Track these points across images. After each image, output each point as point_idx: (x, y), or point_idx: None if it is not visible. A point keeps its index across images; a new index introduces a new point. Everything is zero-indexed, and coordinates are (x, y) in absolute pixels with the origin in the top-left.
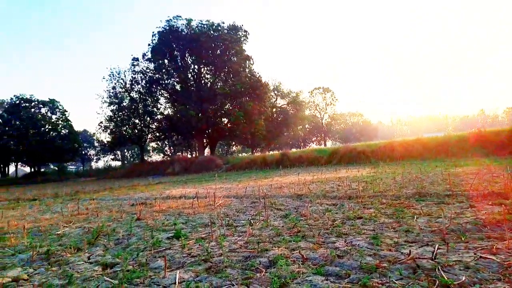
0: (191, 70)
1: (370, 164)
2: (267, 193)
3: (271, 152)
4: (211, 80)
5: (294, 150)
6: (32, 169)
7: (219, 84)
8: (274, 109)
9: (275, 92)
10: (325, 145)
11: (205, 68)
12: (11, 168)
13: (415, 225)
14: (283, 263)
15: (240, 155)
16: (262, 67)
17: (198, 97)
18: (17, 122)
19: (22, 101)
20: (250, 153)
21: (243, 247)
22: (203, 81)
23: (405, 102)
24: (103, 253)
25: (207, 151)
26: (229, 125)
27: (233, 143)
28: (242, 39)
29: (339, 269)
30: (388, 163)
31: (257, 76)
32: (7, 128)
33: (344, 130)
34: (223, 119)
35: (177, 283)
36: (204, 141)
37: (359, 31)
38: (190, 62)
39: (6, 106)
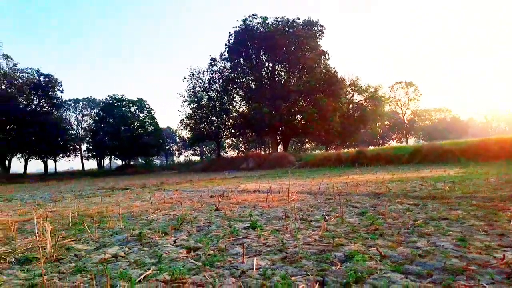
0: (265, 68)
1: (459, 164)
2: (342, 190)
3: (346, 150)
4: (285, 77)
5: (371, 147)
6: (123, 162)
7: (293, 81)
8: (350, 105)
9: (352, 87)
10: (406, 143)
11: (279, 66)
12: (106, 161)
13: (511, 229)
14: (359, 258)
15: (313, 152)
16: (339, 62)
17: (272, 95)
18: (111, 120)
19: (115, 101)
20: (324, 150)
21: (318, 241)
22: (277, 79)
23: (503, 97)
24: (187, 238)
25: (280, 147)
26: (302, 122)
27: (307, 140)
28: (317, 34)
29: (420, 269)
30: (480, 163)
31: (333, 72)
32: (102, 125)
33: (428, 127)
34: (296, 116)
35: (254, 268)
36: (278, 138)
37: (446, 17)
38: (264, 60)
39: (102, 105)
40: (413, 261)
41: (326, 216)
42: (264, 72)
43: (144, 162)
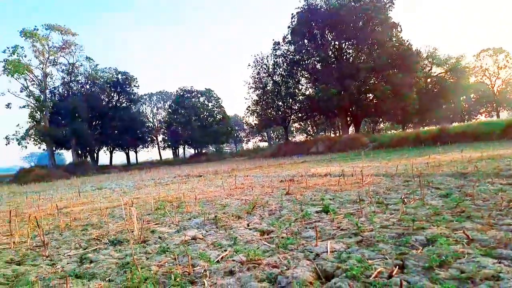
0: (331, 47)
1: None
2: (423, 171)
3: (425, 128)
4: (353, 55)
5: (455, 124)
6: (196, 151)
7: (362, 58)
8: (428, 80)
9: (429, 60)
10: (498, 116)
11: (346, 43)
12: (180, 150)
13: None
14: (443, 241)
15: (388, 132)
16: (413, 34)
17: (339, 75)
18: (182, 111)
19: (185, 93)
20: (400, 130)
21: (396, 224)
22: (344, 57)
23: None
24: (260, 222)
25: (351, 129)
26: (374, 101)
27: (380, 120)
28: (387, 5)
29: None
30: None
31: (406, 45)
32: (175, 116)
33: None
34: (367, 95)
35: (328, 251)
36: (348, 119)
37: None
38: (330, 39)
39: (173, 98)
40: (508, 245)
41: (405, 199)
42: (330, 52)
43: (215, 150)
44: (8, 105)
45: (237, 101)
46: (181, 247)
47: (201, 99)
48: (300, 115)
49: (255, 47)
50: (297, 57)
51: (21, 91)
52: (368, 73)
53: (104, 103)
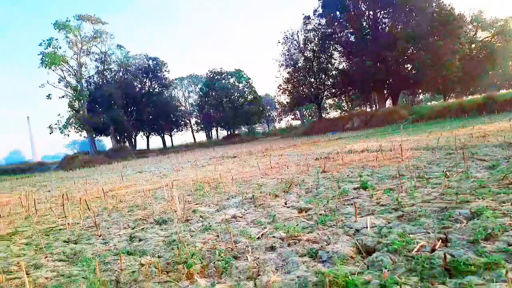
0: (365, 18)
1: None
2: (466, 143)
3: (469, 97)
4: (389, 24)
5: (503, 91)
6: (228, 132)
7: (399, 26)
8: (473, 45)
9: (474, 24)
10: None
11: (382, 12)
12: (213, 132)
13: None
14: (489, 214)
15: (428, 103)
16: None
17: (375, 46)
18: (213, 93)
19: (215, 75)
20: (442, 100)
21: (438, 198)
22: (380, 27)
23: None
24: (297, 200)
25: (388, 102)
26: (413, 72)
27: (420, 91)
28: None
29: None
30: None
31: (448, 9)
32: (206, 99)
33: None
34: (406, 66)
35: (368, 227)
36: (385, 93)
37: None
38: (364, 9)
39: (204, 81)
40: None
41: (447, 172)
42: (365, 22)
43: (247, 130)
44: (48, 96)
45: (268, 80)
46: (223, 225)
47: (231, 80)
48: (333, 90)
49: (284, 23)
50: (329, 30)
51: (59, 82)
52: (406, 42)
53: (137, 89)
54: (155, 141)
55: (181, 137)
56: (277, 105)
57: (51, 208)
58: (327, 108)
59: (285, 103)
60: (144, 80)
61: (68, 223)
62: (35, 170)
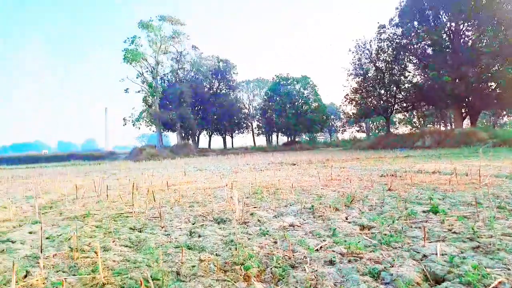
0: (446, 29)
1: None
2: None
3: None
4: (472, 38)
5: None
6: (289, 138)
7: (484, 41)
8: None
9: None
10: None
11: (465, 24)
12: (273, 137)
13: None
14: None
15: None
16: None
17: (455, 60)
18: (277, 98)
19: (281, 80)
20: None
21: None
22: (461, 40)
23: None
24: (359, 216)
25: (466, 122)
26: (498, 91)
27: (504, 112)
28: None
29: None
30: None
31: None
32: (270, 103)
33: None
34: (489, 84)
35: (438, 254)
36: (463, 111)
37: None
38: (445, 20)
39: (270, 85)
40: None
41: None
42: (445, 34)
43: (308, 138)
44: (126, 90)
45: (334, 89)
46: (280, 232)
47: (297, 86)
48: (405, 104)
49: (355, 32)
50: (405, 41)
51: (137, 78)
52: (491, 58)
53: (206, 89)
54: (216, 141)
55: (241, 139)
56: (342, 115)
57: (120, 195)
58: (396, 122)
59: (351, 114)
60: (213, 81)
61: (134, 212)
62: (106, 158)
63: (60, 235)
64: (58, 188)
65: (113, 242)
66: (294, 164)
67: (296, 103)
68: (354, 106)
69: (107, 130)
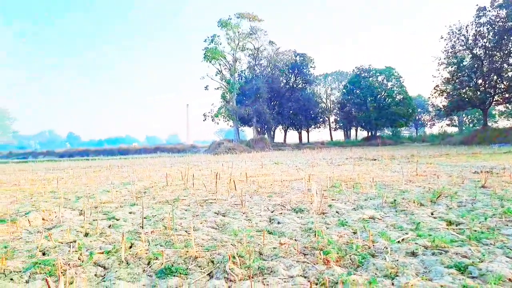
0: None
1: None
2: None
3: None
4: None
5: None
6: (369, 133)
7: None
8: None
9: None
10: None
11: None
12: (352, 132)
13: None
14: None
15: None
16: None
17: None
18: (358, 91)
19: (361, 72)
20: None
21: None
22: None
23: None
24: (446, 212)
25: None
26: None
27: None
28: None
29: None
30: None
31: None
32: (349, 97)
33: None
34: None
35: None
36: None
37: None
38: None
39: (349, 78)
40: None
41: None
42: None
43: (391, 133)
44: (206, 87)
45: (423, 80)
46: (359, 223)
47: (380, 78)
48: (507, 95)
49: (447, 18)
50: (510, 23)
51: (216, 75)
52: None
53: (282, 84)
54: (292, 136)
55: (317, 134)
56: (430, 108)
57: (203, 184)
58: (496, 115)
59: (441, 107)
60: (290, 75)
61: (218, 199)
62: (187, 151)
63: (155, 215)
64: (149, 176)
65: (200, 223)
66: (375, 160)
67: (378, 95)
68: (445, 98)
69: (188, 125)
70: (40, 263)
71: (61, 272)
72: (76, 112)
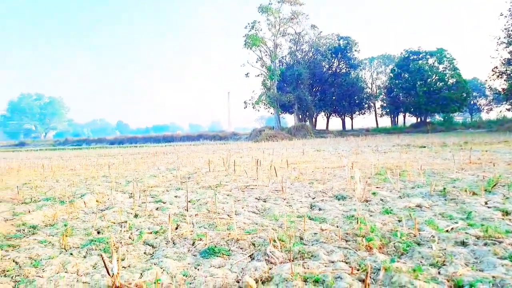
0: None
1: None
2: None
3: None
4: None
5: None
6: (418, 119)
7: None
8: None
9: None
10: None
11: None
12: (400, 118)
13: None
14: None
15: None
16: None
17: None
18: (406, 75)
19: (410, 55)
20: None
21: None
22: None
23: None
24: (502, 201)
25: None
26: None
27: None
28: None
29: None
30: None
31: None
32: (397, 81)
33: None
34: None
35: None
36: None
37: None
38: None
39: (397, 61)
40: None
41: None
42: None
43: (442, 119)
44: (246, 74)
45: (478, 61)
46: (405, 211)
47: (430, 60)
48: None
49: None
50: None
51: (256, 62)
52: None
53: (324, 69)
54: (335, 122)
55: (362, 120)
56: (487, 91)
57: (244, 170)
58: None
59: (500, 90)
60: (333, 60)
61: (258, 185)
62: (229, 139)
63: (199, 199)
64: (192, 162)
65: (242, 208)
66: (424, 147)
67: (429, 79)
68: (505, 80)
69: (229, 113)
70: (95, 241)
71: (114, 249)
72: (125, 101)
